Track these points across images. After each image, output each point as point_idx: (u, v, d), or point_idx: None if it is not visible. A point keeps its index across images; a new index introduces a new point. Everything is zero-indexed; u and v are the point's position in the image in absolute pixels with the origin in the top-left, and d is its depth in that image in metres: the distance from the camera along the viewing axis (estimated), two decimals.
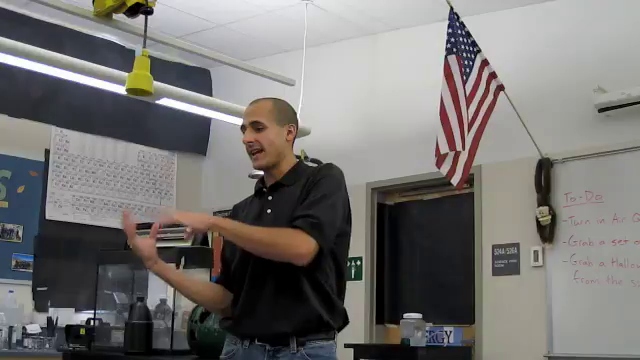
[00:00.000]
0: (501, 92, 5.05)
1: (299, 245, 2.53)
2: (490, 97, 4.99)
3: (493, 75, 5.00)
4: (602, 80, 5.22)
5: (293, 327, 2.59)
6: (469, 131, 4.76)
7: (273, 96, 2.91)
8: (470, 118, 4.78)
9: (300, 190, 2.68)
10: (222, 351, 2.79)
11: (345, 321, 2.71)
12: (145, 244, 2.66)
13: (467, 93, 4.76)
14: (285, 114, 2.83)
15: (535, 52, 5.73)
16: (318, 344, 2.62)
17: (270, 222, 2.68)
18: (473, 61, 4.90)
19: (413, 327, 5.26)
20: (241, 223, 2.63)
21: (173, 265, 2.94)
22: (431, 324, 5.65)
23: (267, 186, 2.82)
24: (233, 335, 2.74)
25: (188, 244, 4.59)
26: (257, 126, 2.76)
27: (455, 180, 4.84)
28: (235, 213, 2.93)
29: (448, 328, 5.62)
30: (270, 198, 2.77)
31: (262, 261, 2.60)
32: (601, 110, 5.23)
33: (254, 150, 2.76)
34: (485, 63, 4.96)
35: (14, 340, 6.39)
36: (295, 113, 2.91)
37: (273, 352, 2.61)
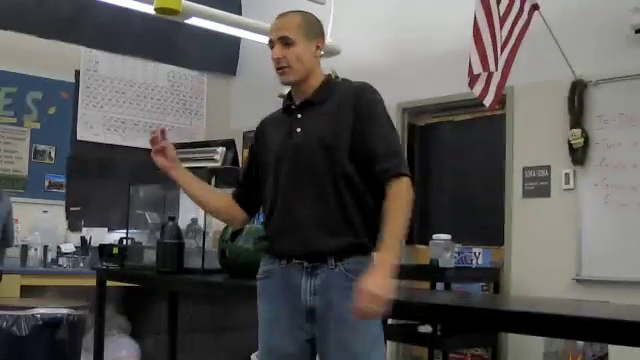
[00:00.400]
0: (535, 12, 4.95)
1: (410, 193, 2.61)
2: (524, 17, 4.88)
3: None
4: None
5: (337, 246, 2.60)
6: (502, 51, 4.69)
7: (299, 10, 2.85)
8: (504, 38, 4.70)
9: (343, 111, 2.66)
10: (259, 270, 2.81)
11: None
12: (163, 158, 2.99)
13: (501, 12, 4.67)
14: (313, 28, 2.78)
15: None
16: (356, 259, 2.63)
17: (300, 140, 2.68)
18: None
19: (442, 248, 5.28)
20: (392, 233, 2.55)
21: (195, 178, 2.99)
22: (460, 245, 5.66)
23: (295, 103, 2.79)
24: (269, 255, 2.75)
25: (218, 164, 4.62)
26: (285, 41, 2.70)
27: (488, 101, 4.78)
28: (262, 128, 2.92)
29: (477, 249, 5.63)
30: (299, 116, 2.74)
31: (308, 182, 2.63)
32: (638, 31, 5.11)
33: (282, 66, 2.72)
34: None
35: (49, 259, 6.53)
36: (322, 27, 2.86)
37: (311, 269, 2.63)
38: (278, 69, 2.73)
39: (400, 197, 2.59)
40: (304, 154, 2.66)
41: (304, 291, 2.64)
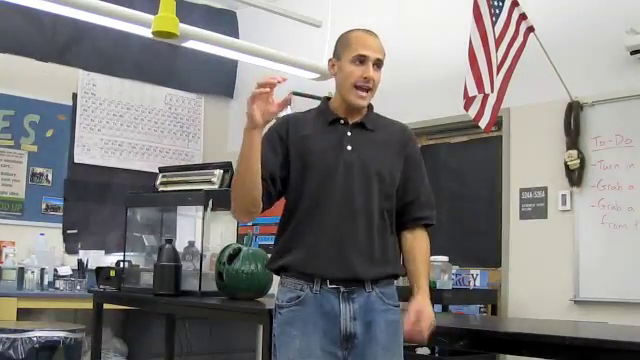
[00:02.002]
0: (531, 33, 4.97)
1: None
2: (520, 39, 4.91)
3: (523, 16, 4.92)
4: (634, 21, 5.11)
5: (377, 274, 2.62)
6: (498, 73, 4.71)
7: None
8: (499, 60, 4.73)
9: (394, 150, 2.71)
10: (278, 297, 2.66)
11: None
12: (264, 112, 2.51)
13: (496, 34, 4.70)
14: None
15: None
16: (388, 281, 2.66)
17: (354, 161, 2.62)
18: (503, 2, 4.82)
19: (439, 270, 5.27)
20: (427, 276, 2.68)
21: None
22: (457, 267, 5.65)
23: (346, 120, 2.71)
24: (296, 277, 2.61)
25: (215, 186, 4.62)
26: (379, 65, 2.68)
27: (483, 123, 4.80)
28: (296, 126, 2.72)
29: (474, 271, 5.63)
30: (349, 134, 2.68)
31: (360, 207, 2.60)
32: (633, 52, 5.13)
33: (369, 87, 2.66)
34: (515, 4, 4.88)
35: (46, 282, 6.50)
36: None
37: (347, 294, 2.58)
38: (363, 89, 2.65)
39: (427, 247, 2.75)
40: (359, 177, 2.61)
41: (343, 317, 2.57)
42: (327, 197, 2.59)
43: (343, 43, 2.74)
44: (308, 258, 2.57)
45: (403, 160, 2.70)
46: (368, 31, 2.75)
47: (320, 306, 2.56)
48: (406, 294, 2.71)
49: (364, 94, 2.64)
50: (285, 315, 2.62)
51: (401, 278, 2.78)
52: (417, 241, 2.72)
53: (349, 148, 2.64)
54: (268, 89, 2.50)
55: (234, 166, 4.94)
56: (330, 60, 2.78)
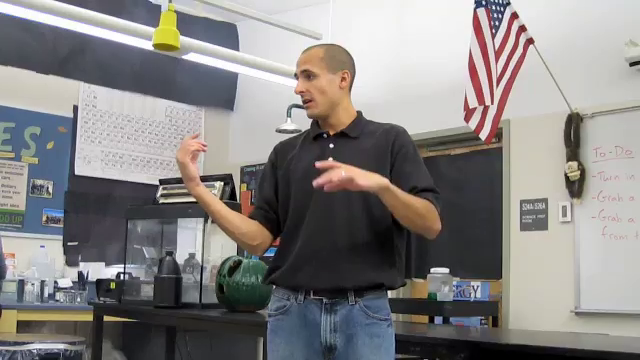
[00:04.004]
0: (530, 45, 4.99)
1: (438, 221, 2.59)
2: (519, 50, 4.92)
3: (523, 28, 4.94)
4: (634, 33, 5.13)
5: (360, 284, 2.57)
6: (498, 85, 4.72)
7: (326, 43, 2.85)
8: (499, 72, 4.73)
9: (380, 152, 2.66)
10: (270, 306, 2.72)
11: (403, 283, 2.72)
12: (193, 166, 2.70)
13: (496, 47, 4.71)
14: (337, 60, 2.74)
15: (565, 4, 5.63)
16: (374, 294, 2.61)
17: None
18: (502, 14, 4.83)
19: (440, 282, 5.27)
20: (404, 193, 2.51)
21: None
22: (458, 279, 5.65)
23: (328, 133, 2.74)
24: (284, 288, 2.66)
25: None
26: (307, 74, 2.69)
27: (484, 134, 4.81)
28: (284, 149, 2.84)
29: (475, 283, 5.63)
30: (332, 146, 2.70)
31: (340, 217, 2.58)
32: (632, 64, 5.15)
33: (306, 99, 2.70)
34: (515, 16, 4.89)
35: (46, 294, 6.50)
36: (351, 58, 2.81)
37: (330, 305, 2.58)
38: (304, 102, 2.72)
39: (431, 208, 2.56)
40: (341, 190, 2.55)
41: (323, 328, 2.57)
42: (308, 212, 2.63)
43: None
44: (292, 272, 2.61)
45: (391, 159, 2.66)
46: (307, 48, 2.80)
47: (304, 316, 2.59)
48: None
49: (307, 106, 2.71)
50: (272, 324, 2.68)
51: (402, 290, 2.76)
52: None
53: (330, 160, 2.62)
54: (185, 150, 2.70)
55: (234, 178, 4.95)
56: None
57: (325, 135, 2.74)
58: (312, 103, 2.70)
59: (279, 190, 2.76)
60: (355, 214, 2.60)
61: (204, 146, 2.73)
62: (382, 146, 2.68)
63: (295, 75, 2.75)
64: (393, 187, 2.45)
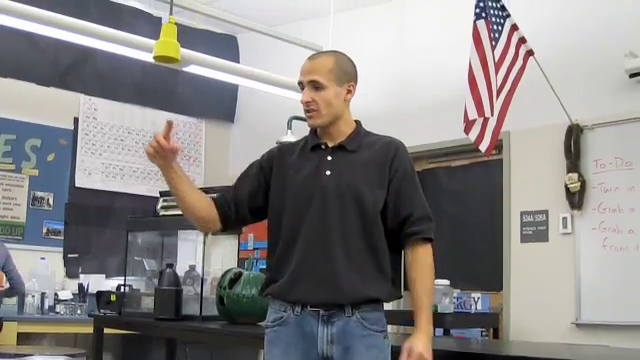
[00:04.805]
0: (530, 57, 4.99)
1: (432, 264, 2.71)
2: (519, 62, 4.93)
3: (522, 40, 4.94)
4: (633, 45, 5.14)
5: (356, 297, 2.57)
6: (498, 97, 4.72)
7: (332, 51, 2.83)
8: (499, 84, 4.74)
9: (378, 167, 2.66)
10: (267, 318, 2.71)
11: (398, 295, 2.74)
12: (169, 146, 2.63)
13: (496, 58, 4.71)
14: (346, 72, 2.71)
15: (565, 16, 5.65)
16: (371, 306, 2.62)
17: (331, 185, 2.61)
18: (502, 26, 4.83)
19: (441, 293, 5.25)
20: (428, 302, 2.66)
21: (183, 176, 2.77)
22: (459, 291, 5.63)
23: (326, 144, 2.71)
24: (282, 301, 2.64)
25: None
26: (315, 85, 2.65)
27: (484, 146, 4.80)
28: (281, 154, 2.80)
29: (476, 295, 5.61)
30: (330, 159, 2.67)
31: (336, 231, 2.58)
32: (632, 75, 5.16)
33: (311, 109, 2.66)
34: (515, 28, 4.90)
35: (46, 306, 6.50)
36: (356, 67, 2.78)
37: (327, 317, 2.57)
38: (307, 112, 2.67)
39: (429, 266, 2.68)
40: (334, 201, 2.60)
41: (320, 339, 2.57)
42: (304, 225, 2.61)
43: None
44: (289, 286, 2.60)
45: (388, 176, 2.65)
46: (312, 55, 2.77)
47: (301, 328, 2.59)
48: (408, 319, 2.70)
49: (310, 115, 2.68)
50: (269, 335, 2.67)
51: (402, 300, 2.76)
52: (415, 257, 2.66)
53: (328, 173, 2.64)
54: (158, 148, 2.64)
55: None
56: None
57: (323, 147, 2.71)
58: (316, 113, 2.66)
59: (272, 198, 2.73)
60: (350, 228, 2.59)
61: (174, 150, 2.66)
62: (380, 160, 2.67)
63: (300, 83, 2.70)
64: (430, 318, 2.62)
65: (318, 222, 2.59)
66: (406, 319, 2.71)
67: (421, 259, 2.66)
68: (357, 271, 2.57)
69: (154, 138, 2.62)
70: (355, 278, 2.57)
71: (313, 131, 2.78)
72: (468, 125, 4.72)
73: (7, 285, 5.79)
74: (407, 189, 2.67)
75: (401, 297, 2.75)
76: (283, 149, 2.83)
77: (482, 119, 4.70)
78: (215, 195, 2.84)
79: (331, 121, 2.69)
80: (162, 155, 2.64)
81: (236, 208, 2.78)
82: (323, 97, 2.65)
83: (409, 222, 2.64)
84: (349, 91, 2.71)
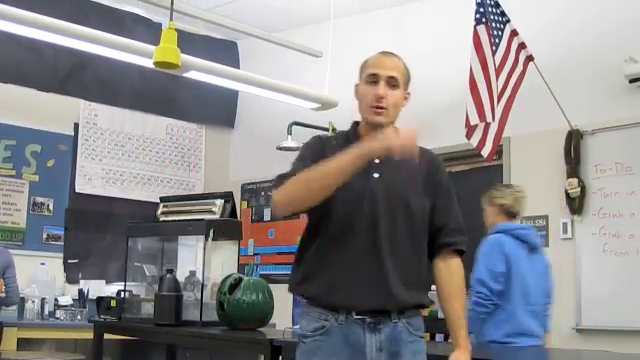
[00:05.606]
0: (530, 62, 5.00)
1: (463, 279, 2.74)
2: (519, 68, 4.94)
3: (522, 45, 4.95)
4: (633, 50, 5.15)
5: (404, 304, 2.56)
6: (499, 102, 4.73)
7: (397, 55, 2.79)
8: (500, 89, 4.74)
9: (421, 177, 2.65)
10: (301, 326, 2.62)
11: None
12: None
13: (496, 64, 4.72)
14: (409, 79, 2.71)
15: (565, 22, 5.65)
16: (414, 312, 2.61)
17: (378, 187, 2.57)
18: (502, 31, 4.84)
19: None
20: (463, 324, 2.64)
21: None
22: None
23: None
24: (321, 307, 2.55)
25: (216, 216, 4.62)
26: (393, 82, 2.63)
27: (485, 152, 4.81)
28: (324, 147, 2.64)
29: None
30: (376, 161, 2.58)
31: (386, 238, 2.53)
32: (632, 81, 5.17)
33: (382, 105, 2.60)
34: (514, 33, 4.91)
35: (46, 312, 6.49)
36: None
37: (373, 324, 2.52)
38: (377, 107, 2.61)
39: (461, 278, 2.70)
40: (383, 205, 2.55)
41: (369, 348, 2.51)
42: (353, 227, 2.54)
43: (362, 66, 2.75)
44: (333, 290, 2.53)
45: (431, 187, 2.66)
46: (386, 52, 2.74)
47: (345, 337, 2.52)
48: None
49: (379, 111, 2.61)
50: (309, 345, 2.57)
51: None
52: (450, 270, 2.67)
53: (376, 176, 2.59)
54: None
55: (234, 196, 4.94)
56: (355, 85, 2.76)
57: None
58: (385, 111, 2.61)
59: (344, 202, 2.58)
60: (399, 233, 2.56)
61: None
62: (424, 170, 2.67)
63: (373, 75, 2.64)
64: (466, 345, 2.58)
65: (367, 227, 2.53)
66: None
67: (456, 273, 2.69)
68: (404, 277, 2.55)
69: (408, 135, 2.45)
70: (403, 284, 2.54)
71: (353, 129, 2.74)
72: (470, 130, 4.73)
73: (3, 294, 5.77)
74: (445, 201, 2.69)
75: (433, 303, 2.76)
76: (324, 142, 2.72)
77: (483, 124, 4.71)
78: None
79: (391, 122, 2.66)
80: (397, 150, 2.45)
81: None
82: (395, 97, 2.63)
83: (443, 232, 2.66)
84: (406, 97, 2.71)
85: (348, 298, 2.52)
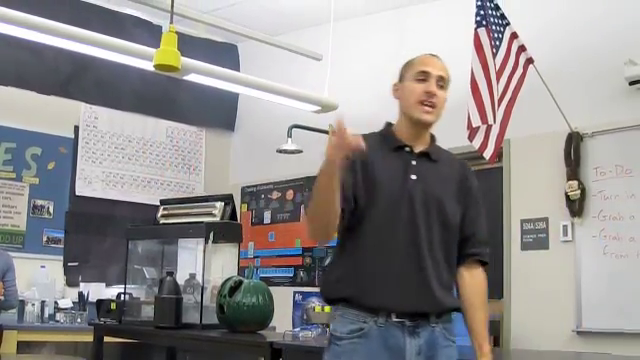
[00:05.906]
0: (530, 65, 5.00)
1: (486, 288, 2.72)
2: (520, 70, 4.94)
3: (522, 48, 4.95)
4: (633, 52, 5.15)
5: (443, 307, 2.56)
6: (500, 104, 4.73)
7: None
8: (500, 91, 4.74)
9: (455, 184, 2.67)
10: (336, 328, 2.57)
11: None
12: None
13: (497, 66, 4.72)
14: (450, 81, 2.71)
15: (565, 24, 5.65)
16: (448, 317, 2.62)
17: (415, 189, 2.57)
18: (502, 34, 4.85)
19: None
20: (486, 334, 2.63)
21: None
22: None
23: (412, 148, 2.66)
24: (358, 309, 2.51)
25: (216, 219, 4.63)
26: (441, 82, 2.64)
27: (488, 153, 4.81)
28: (366, 151, 2.45)
29: None
30: (414, 163, 2.62)
31: (424, 240, 2.53)
32: (632, 83, 5.16)
33: (432, 103, 2.61)
34: (514, 36, 4.91)
35: (46, 314, 6.49)
36: None
37: (413, 328, 2.51)
38: (427, 105, 2.61)
39: (485, 289, 2.70)
40: (421, 208, 2.55)
41: (409, 352, 2.49)
42: (392, 229, 2.53)
43: (406, 66, 2.75)
44: (373, 291, 2.50)
45: (463, 194, 2.67)
46: (432, 54, 2.75)
47: (384, 340, 2.49)
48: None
49: (429, 109, 2.61)
50: (345, 347, 2.52)
51: None
52: (474, 281, 2.67)
53: (413, 178, 2.59)
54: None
55: (234, 198, 4.95)
56: (394, 85, 2.76)
57: (408, 149, 2.67)
58: (434, 110, 2.63)
59: (357, 193, 2.55)
60: (435, 237, 2.57)
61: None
62: (457, 177, 2.70)
63: (424, 72, 2.63)
64: (489, 355, 2.59)
65: (407, 229, 2.54)
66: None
67: (481, 284, 2.69)
68: (440, 280, 2.56)
69: (337, 130, 2.35)
70: (441, 287, 2.55)
71: (388, 130, 2.75)
72: (472, 132, 4.72)
73: (3, 297, 5.76)
74: (474, 210, 2.70)
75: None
76: (367, 142, 2.50)
77: (485, 126, 4.71)
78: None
79: (434, 123, 2.68)
80: (344, 150, 2.34)
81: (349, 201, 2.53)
82: (442, 97, 2.65)
83: (470, 242, 2.67)
84: (445, 99, 2.70)
85: (389, 300, 2.50)
